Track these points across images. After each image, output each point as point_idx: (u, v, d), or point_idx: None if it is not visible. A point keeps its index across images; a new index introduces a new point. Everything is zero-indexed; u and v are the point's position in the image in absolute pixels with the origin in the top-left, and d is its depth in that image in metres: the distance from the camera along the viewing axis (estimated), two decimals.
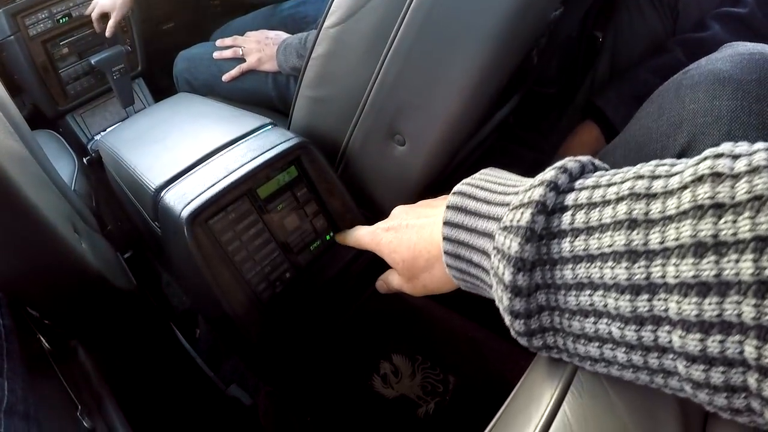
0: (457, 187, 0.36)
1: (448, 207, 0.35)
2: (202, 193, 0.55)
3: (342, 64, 0.62)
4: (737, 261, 0.20)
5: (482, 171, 0.38)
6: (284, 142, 0.61)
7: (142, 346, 0.81)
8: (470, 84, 0.54)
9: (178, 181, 0.58)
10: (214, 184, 0.56)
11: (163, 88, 1.40)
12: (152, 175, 0.60)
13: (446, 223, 0.35)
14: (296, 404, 0.70)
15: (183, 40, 1.39)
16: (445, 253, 0.35)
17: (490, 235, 0.31)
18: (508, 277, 0.28)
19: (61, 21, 1.08)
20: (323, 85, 0.66)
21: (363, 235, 0.52)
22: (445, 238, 0.35)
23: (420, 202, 0.46)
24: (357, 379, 0.71)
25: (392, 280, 0.49)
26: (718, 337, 0.21)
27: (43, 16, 1.06)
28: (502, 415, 0.33)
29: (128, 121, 0.82)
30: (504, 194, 0.32)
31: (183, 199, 0.55)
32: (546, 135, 1.07)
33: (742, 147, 0.23)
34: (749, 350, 0.20)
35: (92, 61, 1.07)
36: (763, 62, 0.43)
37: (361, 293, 0.79)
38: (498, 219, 0.31)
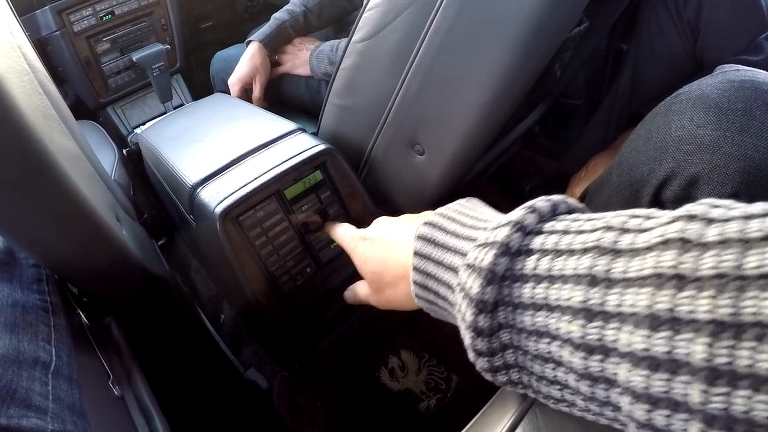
0: (428, 217, 0.35)
1: (417, 237, 0.35)
2: (235, 192, 0.60)
3: (367, 77, 0.66)
4: (691, 341, 0.19)
5: (458, 201, 0.37)
6: (311, 147, 0.65)
7: (170, 327, 0.86)
8: (486, 101, 0.58)
9: (213, 179, 0.63)
10: (245, 185, 0.61)
11: (199, 84, 1.45)
12: (190, 173, 0.65)
13: (416, 254, 0.34)
14: (308, 390, 0.75)
15: (220, 38, 1.46)
16: (414, 282, 0.35)
17: (455, 270, 0.30)
18: (469, 317, 0.27)
19: (104, 18, 1.13)
20: (350, 94, 0.70)
21: (343, 236, 0.53)
22: (415, 268, 0.35)
23: (401, 217, 0.46)
24: (366, 370, 0.75)
25: (360, 290, 0.50)
26: (665, 412, 0.20)
27: (88, 13, 1.11)
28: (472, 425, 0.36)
29: (167, 118, 0.87)
30: (473, 228, 0.32)
31: (217, 197, 0.60)
32: (570, 146, 1.08)
33: (719, 210, 0.21)
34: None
35: (134, 58, 1.12)
36: (752, 92, 0.43)
37: None
38: (464, 254, 0.30)
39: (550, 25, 0.53)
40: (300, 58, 0.96)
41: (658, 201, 0.46)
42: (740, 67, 0.47)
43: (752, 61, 0.77)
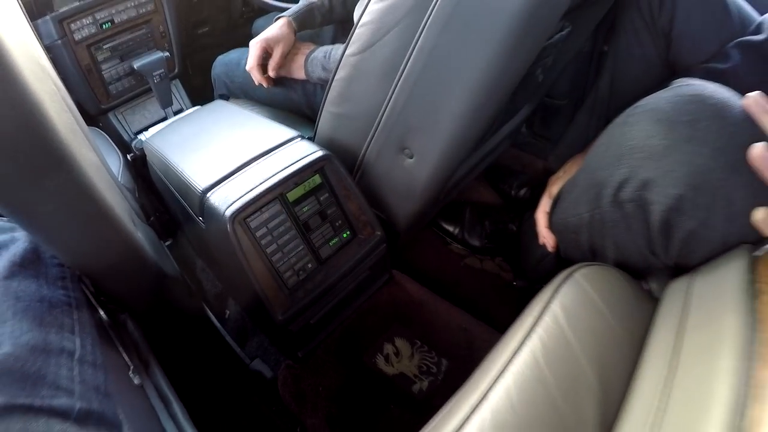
0: None
1: None
2: (242, 196, 0.66)
3: (360, 88, 0.72)
4: None
5: None
6: (311, 154, 0.71)
7: (180, 323, 0.91)
8: (466, 110, 0.64)
9: (221, 184, 0.69)
10: (251, 189, 0.66)
11: (196, 87, 1.49)
12: (199, 178, 0.70)
13: None
14: (310, 376, 0.81)
15: (217, 43, 1.50)
16: None
17: None
18: None
19: (104, 26, 1.16)
20: (344, 103, 0.75)
21: None
22: None
23: None
24: (363, 357, 0.81)
25: None
26: None
27: (88, 22, 1.14)
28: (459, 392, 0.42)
29: (171, 125, 0.92)
30: None
31: (226, 200, 0.66)
32: (555, 144, 1.14)
33: None
34: None
35: (135, 66, 1.16)
36: (699, 105, 0.48)
37: (372, 284, 0.89)
38: None
39: (525, 43, 0.58)
40: (296, 63, 1.00)
41: (617, 201, 0.52)
42: (693, 81, 0.52)
43: (719, 69, 0.80)
